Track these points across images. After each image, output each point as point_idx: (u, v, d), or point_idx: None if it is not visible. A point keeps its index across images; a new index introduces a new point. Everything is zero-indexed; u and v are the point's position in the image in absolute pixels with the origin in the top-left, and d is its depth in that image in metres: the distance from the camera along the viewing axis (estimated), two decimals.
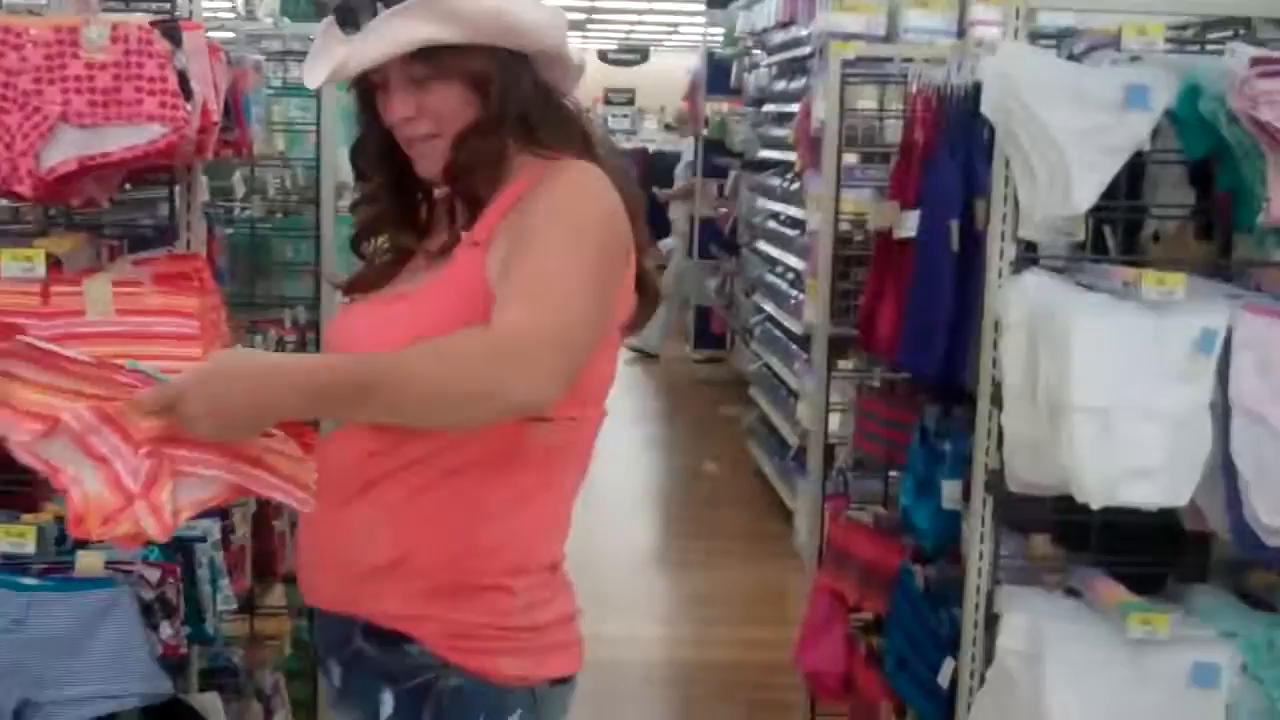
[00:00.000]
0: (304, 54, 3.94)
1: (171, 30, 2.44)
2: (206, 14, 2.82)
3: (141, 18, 2.47)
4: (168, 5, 2.71)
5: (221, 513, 2.90)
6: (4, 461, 2.93)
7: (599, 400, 1.89)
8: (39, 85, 2.36)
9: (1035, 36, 2.96)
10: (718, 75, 10.02)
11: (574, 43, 1.92)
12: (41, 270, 2.39)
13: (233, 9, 4.48)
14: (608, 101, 19.58)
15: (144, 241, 2.95)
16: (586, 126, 1.94)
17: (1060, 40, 3.08)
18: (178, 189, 2.74)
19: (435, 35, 1.78)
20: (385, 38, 1.78)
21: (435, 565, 1.81)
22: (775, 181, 7.26)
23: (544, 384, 1.65)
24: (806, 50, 6.26)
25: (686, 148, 11.44)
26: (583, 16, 20.30)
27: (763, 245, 7.58)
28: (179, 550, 2.56)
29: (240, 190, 3.76)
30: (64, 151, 2.37)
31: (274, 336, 3.82)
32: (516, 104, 1.84)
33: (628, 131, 17.16)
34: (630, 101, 22.06)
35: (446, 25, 1.78)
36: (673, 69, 18.02)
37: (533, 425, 1.77)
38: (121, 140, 2.38)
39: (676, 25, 21.96)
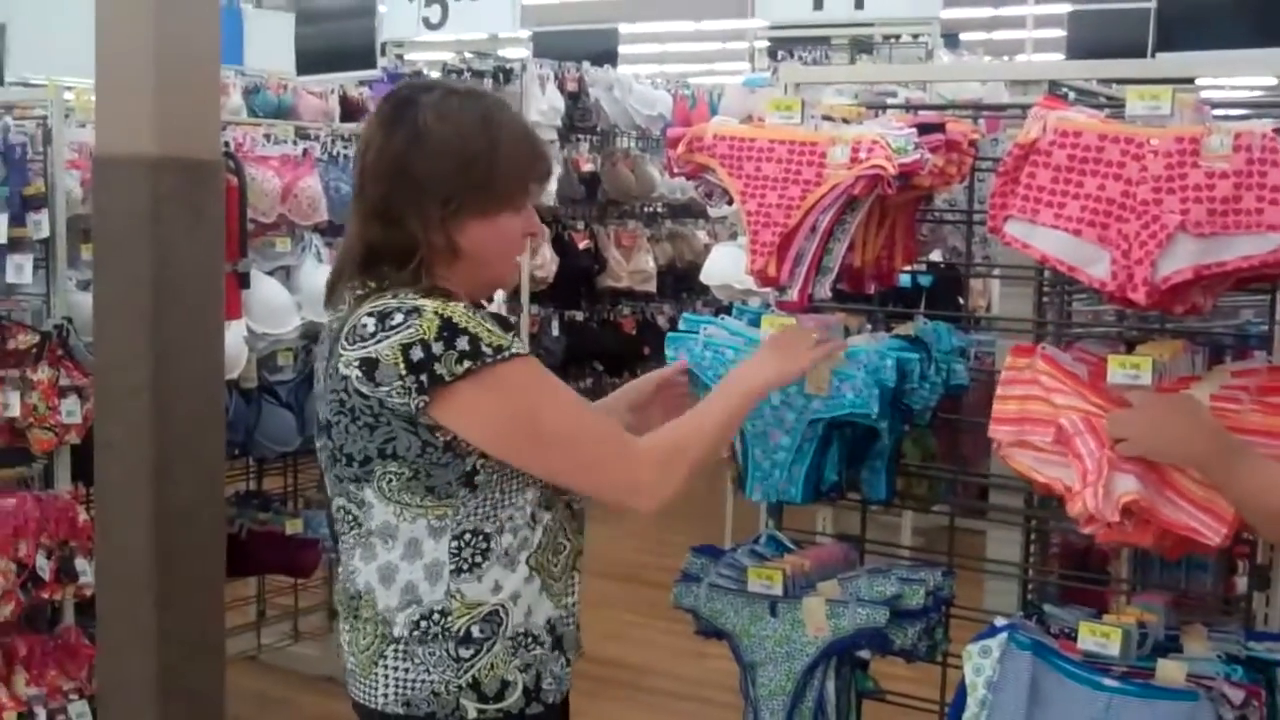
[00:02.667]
0: None
1: None
2: None
3: (1265, 124, 2.41)
4: None
5: None
6: (1077, 562, 3.05)
7: None
8: (1158, 194, 2.39)
9: None
10: None
11: None
12: (1148, 378, 2.40)
13: None
14: None
15: (1219, 349, 2.90)
16: None
17: None
18: (1278, 296, 2.64)
19: None
20: None
21: None
22: None
23: None
24: None
25: None
26: None
27: None
28: (1261, 672, 2.44)
29: None
30: (1179, 261, 2.36)
31: None
32: None
33: None
34: None
35: None
36: None
37: None
38: (1239, 249, 2.33)
39: None
